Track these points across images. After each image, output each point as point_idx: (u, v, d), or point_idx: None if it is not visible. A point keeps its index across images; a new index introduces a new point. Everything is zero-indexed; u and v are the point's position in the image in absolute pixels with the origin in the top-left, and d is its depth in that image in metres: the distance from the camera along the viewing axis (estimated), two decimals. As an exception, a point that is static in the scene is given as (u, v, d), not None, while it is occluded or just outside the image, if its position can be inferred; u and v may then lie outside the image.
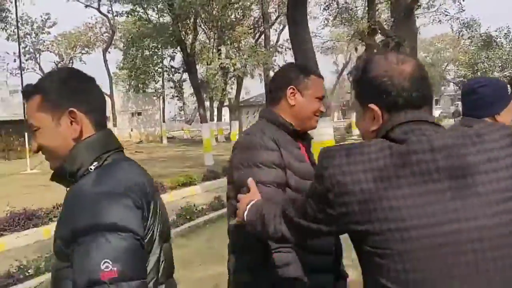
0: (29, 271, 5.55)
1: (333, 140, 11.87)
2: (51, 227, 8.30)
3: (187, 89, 40.09)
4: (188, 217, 8.28)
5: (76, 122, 1.44)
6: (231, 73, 32.05)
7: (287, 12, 10.97)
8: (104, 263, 1.24)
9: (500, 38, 38.90)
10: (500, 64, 39.90)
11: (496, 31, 38.90)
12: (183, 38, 19.47)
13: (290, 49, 31.43)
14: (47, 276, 5.58)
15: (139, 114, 40.52)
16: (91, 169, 1.44)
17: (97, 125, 1.49)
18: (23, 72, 40.65)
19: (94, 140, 1.47)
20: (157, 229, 1.45)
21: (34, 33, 38.42)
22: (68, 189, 1.47)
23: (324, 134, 11.33)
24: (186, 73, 41.58)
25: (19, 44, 23.14)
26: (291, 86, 2.16)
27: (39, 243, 7.81)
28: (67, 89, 1.45)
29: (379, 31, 9.70)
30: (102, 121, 1.51)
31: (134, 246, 1.30)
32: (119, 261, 1.25)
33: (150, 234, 1.41)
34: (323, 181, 1.24)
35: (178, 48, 30.06)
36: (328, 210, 1.25)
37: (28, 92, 1.47)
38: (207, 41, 29.09)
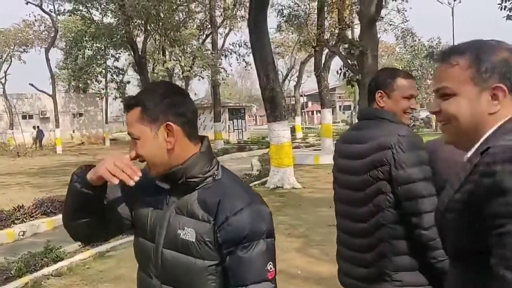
0: (11, 272, 5.50)
1: (290, 142, 12.31)
2: (14, 230, 8.13)
3: (130, 90, 39.46)
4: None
5: (171, 135, 1.54)
6: (176, 75, 31.96)
7: (249, 17, 11.28)
8: (269, 265, 1.49)
9: (432, 48, 41.25)
10: (432, 72, 42.15)
11: (428, 41, 41.22)
12: (134, 39, 19.30)
13: (235, 52, 31.80)
14: (31, 276, 5.56)
15: (81, 115, 39.48)
16: (216, 176, 1.59)
17: (190, 136, 1.59)
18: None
19: (207, 149, 1.62)
20: None
21: (-33, 29, 36.54)
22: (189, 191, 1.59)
23: (281, 136, 11.75)
24: (129, 75, 41.16)
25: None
26: (379, 90, 2.39)
27: (4, 246, 7.64)
28: (164, 103, 1.54)
29: (342, 40, 10.18)
30: (194, 132, 1.62)
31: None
32: (274, 263, 1.52)
33: None
34: None
35: (123, 49, 29.84)
36: None
37: (129, 104, 1.57)
38: (154, 42, 28.86)
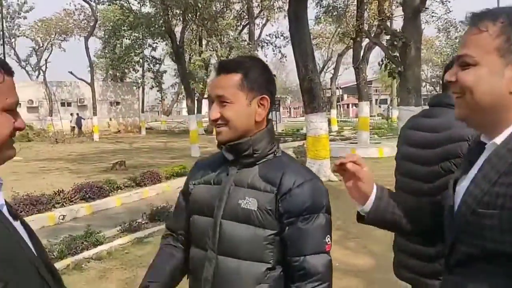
0: (54, 253, 5.62)
1: (327, 135, 12.18)
2: (55, 213, 8.32)
3: (166, 80, 39.94)
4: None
5: (263, 108, 1.63)
6: (212, 65, 32.08)
7: (289, 7, 11.17)
8: (327, 237, 1.58)
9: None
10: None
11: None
12: (173, 29, 19.44)
13: (271, 43, 31.72)
14: (72, 259, 5.69)
15: (118, 103, 40.13)
16: (277, 153, 1.67)
17: (267, 114, 1.67)
18: (-3, 57, 39.88)
19: (272, 128, 1.71)
20: None
21: (10, 17, 37.49)
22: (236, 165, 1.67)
23: (319, 128, 11.62)
24: (165, 64, 41.58)
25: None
26: None
27: (45, 228, 7.82)
28: (264, 77, 1.63)
29: (384, 31, 9.99)
30: (269, 111, 1.69)
31: None
32: (331, 237, 1.61)
33: None
34: None
35: (160, 38, 30.12)
36: None
37: (229, 68, 1.61)
38: (191, 32, 29.05)
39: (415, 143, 2.33)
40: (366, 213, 1.48)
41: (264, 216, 1.56)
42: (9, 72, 1.28)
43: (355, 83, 19.93)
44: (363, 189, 1.46)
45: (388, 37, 8.38)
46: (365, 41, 19.66)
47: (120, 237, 6.83)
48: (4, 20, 37.63)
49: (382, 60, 9.09)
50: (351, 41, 22.86)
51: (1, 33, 22.91)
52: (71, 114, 34.89)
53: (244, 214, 1.58)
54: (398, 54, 8.02)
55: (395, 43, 7.69)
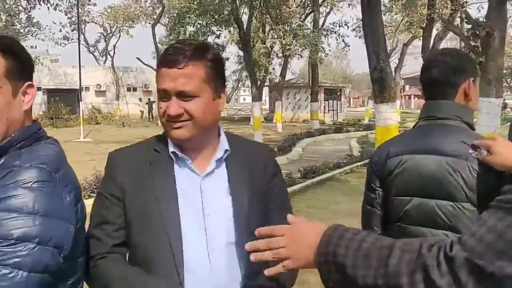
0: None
1: (397, 125, 11.97)
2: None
3: (228, 67, 40.29)
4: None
5: None
6: (274, 53, 32.17)
7: (362, -4, 10.99)
8: None
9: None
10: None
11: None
12: (240, 17, 19.61)
13: (335, 32, 31.37)
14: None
15: (182, 90, 40.81)
16: None
17: None
18: (67, 42, 41.59)
19: None
20: None
21: (81, 4, 38.90)
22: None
23: (388, 118, 11.44)
24: (227, 52, 41.95)
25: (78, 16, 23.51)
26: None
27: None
28: None
29: (465, 20, 9.68)
30: None
31: None
32: None
33: None
34: None
35: (224, 26, 30.43)
36: None
37: None
38: (255, 20, 29.19)
39: None
40: None
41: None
42: None
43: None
44: None
45: (469, 26, 8.13)
46: (436, 31, 19.09)
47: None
48: (75, 7, 39.20)
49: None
50: (418, 30, 22.27)
51: (77, 19, 23.91)
52: (140, 99, 35.95)
53: None
54: (479, 44, 7.77)
55: (478, 32, 7.44)
